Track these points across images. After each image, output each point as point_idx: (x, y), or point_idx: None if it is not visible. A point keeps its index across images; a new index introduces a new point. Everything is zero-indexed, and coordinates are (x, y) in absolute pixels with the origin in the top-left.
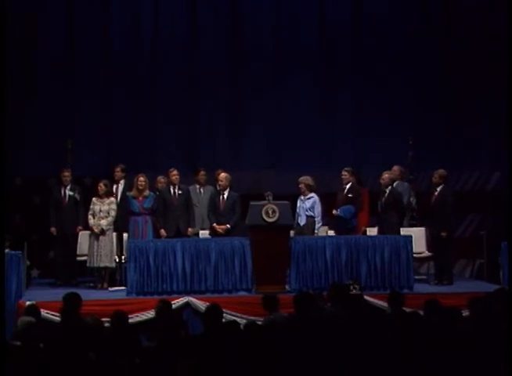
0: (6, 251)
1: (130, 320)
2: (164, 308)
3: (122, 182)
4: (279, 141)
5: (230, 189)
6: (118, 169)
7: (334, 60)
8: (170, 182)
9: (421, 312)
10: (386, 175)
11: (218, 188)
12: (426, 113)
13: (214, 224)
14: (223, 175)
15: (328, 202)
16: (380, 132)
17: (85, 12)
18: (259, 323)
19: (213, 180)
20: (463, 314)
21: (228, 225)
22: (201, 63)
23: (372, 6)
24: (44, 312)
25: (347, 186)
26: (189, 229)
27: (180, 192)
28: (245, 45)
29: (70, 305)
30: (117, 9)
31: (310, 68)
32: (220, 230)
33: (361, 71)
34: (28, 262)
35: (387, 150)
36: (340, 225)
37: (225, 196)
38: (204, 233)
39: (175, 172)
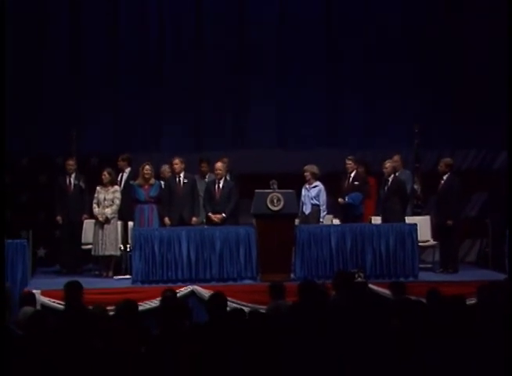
0: (10, 240)
1: None
2: (169, 296)
3: (127, 170)
4: (285, 120)
5: (226, 177)
6: (123, 157)
7: (340, 46)
8: (172, 171)
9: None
10: (388, 164)
11: (215, 177)
12: (432, 96)
13: (210, 213)
14: (219, 164)
15: (333, 182)
16: (386, 118)
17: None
18: (262, 311)
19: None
20: (468, 302)
21: (223, 215)
22: (207, 48)
23: None
24: (48, 301)
25: (352, 174)
26: (194, 219)
27: (186, 181)
28: (251, 29)
29: (72, 293)
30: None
31: (316, 53)
32: (216, 219)
33: (367, 59)
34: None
35: (392, 136)
36: (348, 212)
37: (221, 185)
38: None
39: (177, 161)
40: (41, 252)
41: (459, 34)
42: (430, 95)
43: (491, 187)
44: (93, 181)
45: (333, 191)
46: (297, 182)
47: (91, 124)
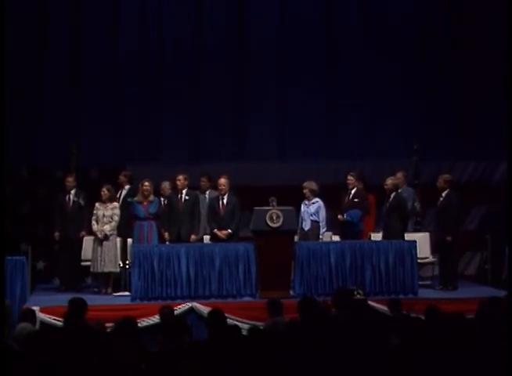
0: (9, 257)
1: None
2: (167, 313)
3: (127, 187)
4: (285, 133)
5: (229, 193)
6: (125, 174)
7: (340, 60)
8: (175, 187)
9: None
10: (389, 181)
11: (219, 193)
12: (431, 109)
13: (215, 230)
14: (223, 180)
15: (333, 195)
16: (385, 131)
17: (92, 12)
18: (261, 327)
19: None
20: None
21: (229, 230)
22: (207, 57)
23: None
24: (48, 318)
25: (353, 191)
26: (193, 237)
27: (187, 198)
28: (251, 39)
29: (76, 309)
30: (124, 10)
31: (316, 68)
32: (222, 235)
33: (367, 73)
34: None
35: (392, 148)
36: (347, 229)
37: (225, 201)
38: (208, 239)
39: (181, 177)
40: (41, 265)
41: (458, 46)
42: (430, 108)
43: (490, 200)
44: (92, 194)
45: (332, 205)
46: (296, 196)
47: (90, 136)
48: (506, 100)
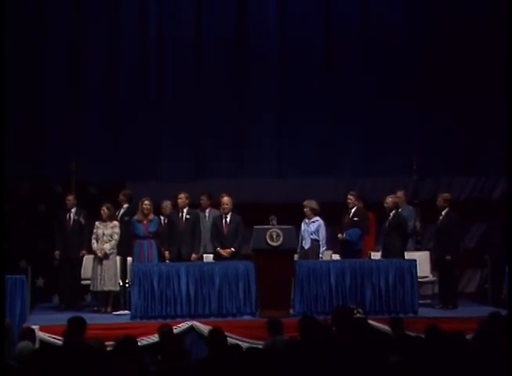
0: (9, 276)
1: None
2: (166, 332)
3: (125, 206)
4: (285, 150)
5: (232, 212)
6: (125, 193)
7: (340, 80)
8: (176, 205)
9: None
10: (389, 199)
11: (222, 211)
12: (430, 126)
13: (218, 248)
14: (227, 198)
15: (332, 212)
16: (385, 148)
17: (92, 21)
18: (261, 346)
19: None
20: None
21: (232, 249)
22: (206, 72)
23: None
24: (47, 336)
25: (353, 210)
26: (193, 256)
27: (188, 216)
28: (250, 55)
29: (75, 328)
30: (124, 20)
31: (315, 84)
32: (225, 254)
33: (366, 92)
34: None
35: (391, 170)
36: (346, 248)
37: (228, 219)
38: (208, 257)
39: (182, 196)
40: (40, 282)
41: (457, 61)
42: (429, 126)
43: (490, 217)
44: (92, 210)
45: (332, 222)
46: (296, 213)
47: (90, 152)
48: (505, 116)
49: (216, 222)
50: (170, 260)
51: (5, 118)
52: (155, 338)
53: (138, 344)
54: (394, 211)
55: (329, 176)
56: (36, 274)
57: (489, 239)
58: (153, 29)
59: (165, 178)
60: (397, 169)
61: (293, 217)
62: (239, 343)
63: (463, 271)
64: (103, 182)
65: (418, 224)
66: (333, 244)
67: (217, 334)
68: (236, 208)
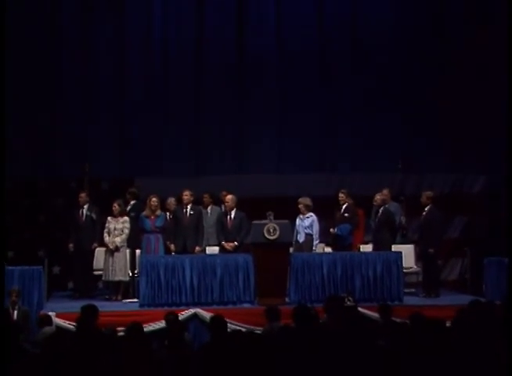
0: (27, 267)
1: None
2: (171, 319)
3: (131, 203)
4: (282, 148)
5: (236, 208)
6: (130, 191)
7: (332, 87)
8: (181, 202)
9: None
10: (378, 197)
11: (224, 209)
12: (417, 133)
13: (223, 242)
14: (230, 196)
15: (325, 205)
16: (373, 147)
17: (100, 24)
18: (259, 332)
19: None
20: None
21: (236, 243)
22: (208, 74)
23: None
24: (63, 322)
25: (344, 207)
26: (197, 248)
27: (192, 212)
28: (250, 56)
29: (88, 315)
30: (130, 24)
31: (310, 89)
32: (229, 248)
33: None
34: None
35: (377, 167)
36: (337, 242)
37: (232, 216)
38: (210, 250)
39: (187, 193)
40: (56, 270)
41: (442, 65)
42: (415, 128)
43: (470, 211)
44: (104, 204)
45: (325, 215)
46: (292, 206)
47: (101, 151)
48: (485, 116)
49: (221, 218)
50: (175, 252)
51: (5, 121)
52: (161, 324)
53: (146, 330)
54: (382, 208)
55: (323, 172)
56: (53, 263)
57: (469, 231)
58: (158, 40)
59: (170, 175)
60: (383, 166)
61: (290, 210)
62: (240, 329)
63: (446, 260)
64: (114, 178)
65: (403, 219)
66: (325, 234)
67: (218, 320)
68: (238, 203)
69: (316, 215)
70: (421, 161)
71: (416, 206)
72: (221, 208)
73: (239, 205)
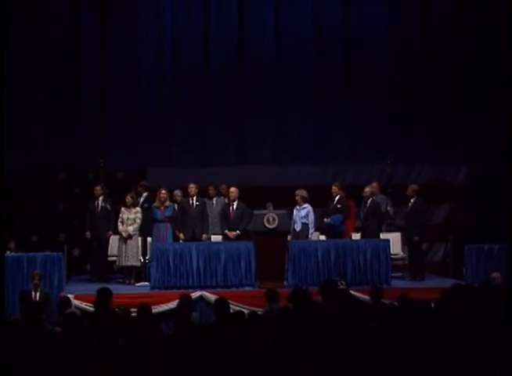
0: (49, 253)
1: (153, 311)
2: (185, 300)
3: (144, 195)
4: (280, 140)
5: (238, 199)
6: (141, 184)
7: (327, 92)
8: (187, 194)
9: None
10: (367, 189)
11: (228, 200)
12: (405, 126)
13: (226, 231)
14: (233, 188)
15: (320, 195)
16: (363, 139)
17: (115, 25)
18: (260, 313)
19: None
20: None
21: (238, 232)
22: (212, 74)
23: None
24: (81, 304)
25: (337, 198)
26: (204, 236)
27: (197, 203)
28: (250, 56)
29: (103, 297)
30: (142, 25)
31: (306, 91)
32: (231, 236)
33: (347, 94)
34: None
35: (368, 159)
36: (330, 231)
37: (235, 207)
38: (215, 238)
39: (192, 185)
40: (76, 252)
41: (424, 63)
42: (403, 123)
43: (453, 199)
44: (119, 193)
45: (321, 203)
46: (290, 195)
47: (116, 143)
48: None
49: (225, 209)
50: (185, 240)
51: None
52: (171, 305)
53: (157, 311)
54: (371, 199)
55: (318, 163)
56: (72, 246)
57: (452, 218)
58: (168, 39)
59: (178, 165)
60: (374, 159)
61: (288, 199)
62: (242, 310)
63: (431, 244)
64: (128, 168)
65: (391, 210)
66: (320, 220)
67: (222, 302)
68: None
69: (313, 203)
70: (408, 153)
71: (403, 196)
72: (226, 200)
73: (241, 195)
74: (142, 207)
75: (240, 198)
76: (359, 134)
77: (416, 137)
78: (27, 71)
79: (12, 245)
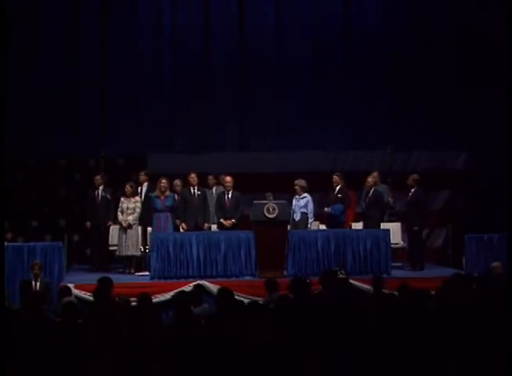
0: (49, 243)
1: (153, 300)
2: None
3: (145, 184)
4: (280, 128)
5: (233, 188)
6: (142, 173)
7: (325, 78)
8: (189, 183)
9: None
10: (370, 179)
11: (224, 189)
12: (405, 114)
13: (222, 219)
14: (228, 178)
15: (321, 181)
16: (363, 127)
17: (117, 17)
18: (260, 302)
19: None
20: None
21: (233, 220)
22: (213, 61)
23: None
24: (81, 293)
25: (337, 188)
26: (206, 225)
27: (199, 192)
28: (250, 45)
29: (103, 287)
30: (142, 17)
31: (305, 78)
32: (227, 224)
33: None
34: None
35: (368, 146)
36: (331, 220)
37: (230, 195)
38: (215, 228)
39: (193, 175)
40: (76, 238)
41: (425, 56)
42: (403, 110)
43: (452, 186)
44: (119, 179)
45: (321, 189)
46: (290, 182)
47: (117, 130)
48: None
49: (220, 198)
50: (188, 230)
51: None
52: (171, 294)
53: (157, 300)
54: (373, 189)
55: (317, 149)
56: (73, 231)
57: (452, 204)
58: (167, 27)
59: (177, 151)
60: (373, 145)
61: (288, 186)
62: (242, 300)
63: (431, 230)
64: (129, 154)
65: (391, 199)
66: (320, 208)
67: (225, 292)
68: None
69: (312, 189)
70: (408, 140)
71: (403, 184)
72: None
73: (241, 181)
74: (146, 196)
75: (241, 184)
76: (359, 120)
77: (416, 123)
78: (26, 70)
79: (8, 236)
